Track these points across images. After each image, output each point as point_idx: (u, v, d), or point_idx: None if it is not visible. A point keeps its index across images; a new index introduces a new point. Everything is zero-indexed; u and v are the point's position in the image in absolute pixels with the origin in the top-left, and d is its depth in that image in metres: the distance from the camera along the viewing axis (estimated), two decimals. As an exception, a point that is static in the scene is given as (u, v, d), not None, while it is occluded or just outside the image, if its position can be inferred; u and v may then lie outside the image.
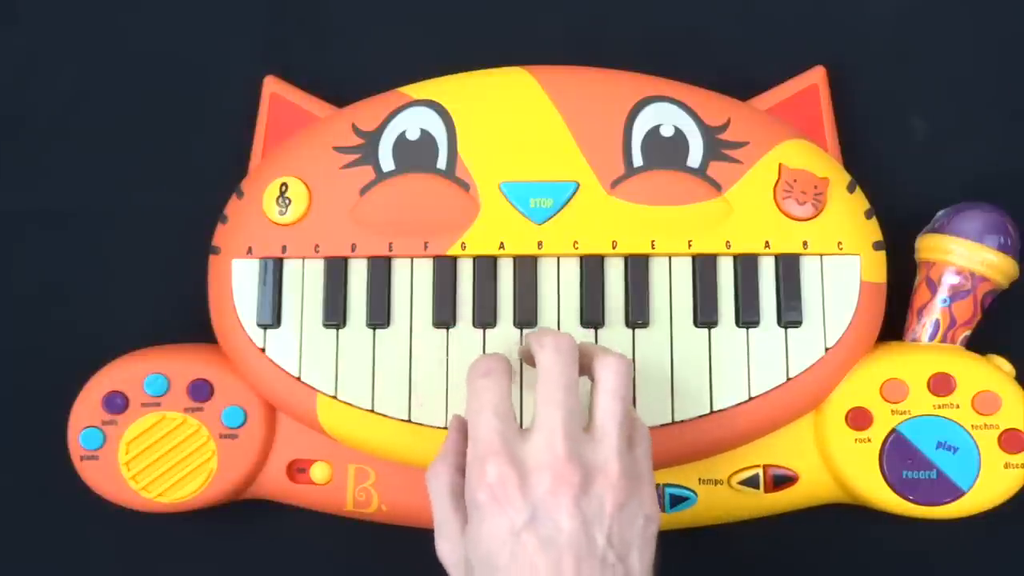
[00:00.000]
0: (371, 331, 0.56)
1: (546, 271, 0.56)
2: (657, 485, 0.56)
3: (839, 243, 0.56)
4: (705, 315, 0.56)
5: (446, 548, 0.48)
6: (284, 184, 0.57)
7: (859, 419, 0.55)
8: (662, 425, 0.55)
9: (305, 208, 0.57)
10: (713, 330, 0.56)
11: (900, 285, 0.58)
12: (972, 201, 0.58)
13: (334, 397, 0.56)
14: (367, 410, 0.55)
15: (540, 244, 0.56)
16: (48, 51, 0.64)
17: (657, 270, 0.56)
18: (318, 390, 0.56)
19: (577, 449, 0.45)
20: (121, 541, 0.60)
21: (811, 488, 0.56)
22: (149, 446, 0.56)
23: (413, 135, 0.58)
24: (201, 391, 0.56)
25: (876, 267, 0.56)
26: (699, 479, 0.56)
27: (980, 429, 0.54)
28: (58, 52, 0.64)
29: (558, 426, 0.46)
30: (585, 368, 0.50)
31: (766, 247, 0.56)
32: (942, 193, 0.60)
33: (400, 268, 0.57)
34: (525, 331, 0.56)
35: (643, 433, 0.49)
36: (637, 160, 0.57)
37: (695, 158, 0.57)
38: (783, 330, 0.56)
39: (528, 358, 0.52)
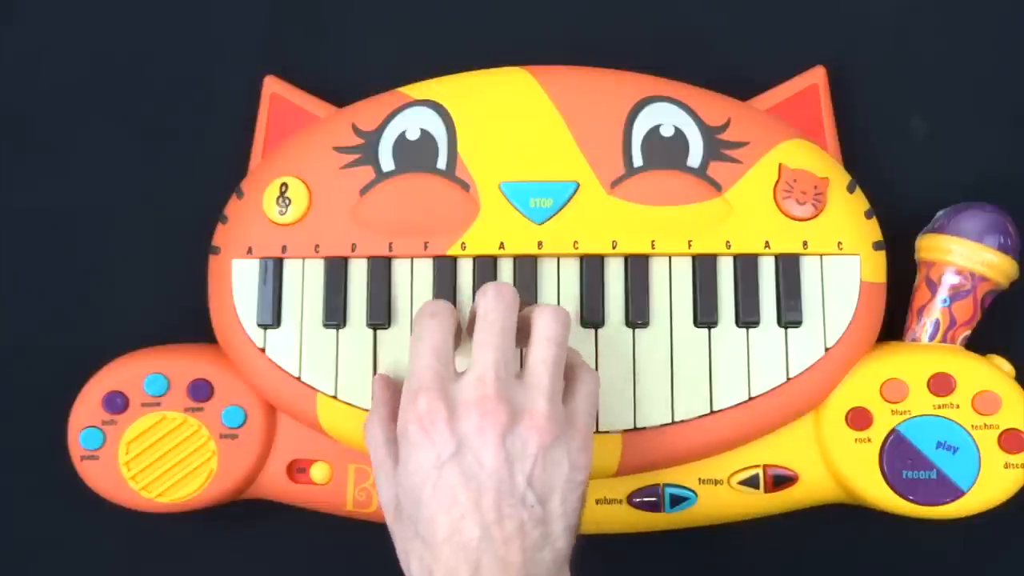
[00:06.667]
0: (371, 331, 0.56)
1: (546, 271, 0.56)
2: (657, 485, 0.56)
3: (839, 243, 0.56)
4: (705, 315, 0.56)
5: (382, 488, 0.49)
6: (284, 184, 0.57)
7: (859, 419, 0.55)
8: (662, 425, 0.55)
9: (305, 208, 0.57)
10: (713, 330, 0.56)
11: (900, 285, 0.58)
12: (972, 201, 0.58)
13: (334, 397, 0.56)
14: (367, 410, 0.55)
15: (540, 244, 0.56)
16: (48, 51, 0.64)
17: (657, 270, 0.56)
18: (318, 390, 0.56)
19: (507, 390, 0.46)
20: (121, 541, 0.60)
21: (811, 488, 0.56)
22: (149, 446, 0.56)
23: (413, 135, 0.58)
24: (201, 391, 0.56)
25: (876, 267, 0.56)
26: (699, 479, 0.56)
27: (980, 429, 0.54)
28: (58, 52, 0.64)
29: (490, 366, 0.47)
30: (525, 323, 0.50)
31: (766, 247, 0.56)
32: (942, 193, 0.60)
33: (400, 268, 0.57)
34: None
35: (586, 381, 0.50)
36: (637, 160, 0.57)
37: (695, 158, 0.57)
38: (783, 330, 0.56)
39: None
